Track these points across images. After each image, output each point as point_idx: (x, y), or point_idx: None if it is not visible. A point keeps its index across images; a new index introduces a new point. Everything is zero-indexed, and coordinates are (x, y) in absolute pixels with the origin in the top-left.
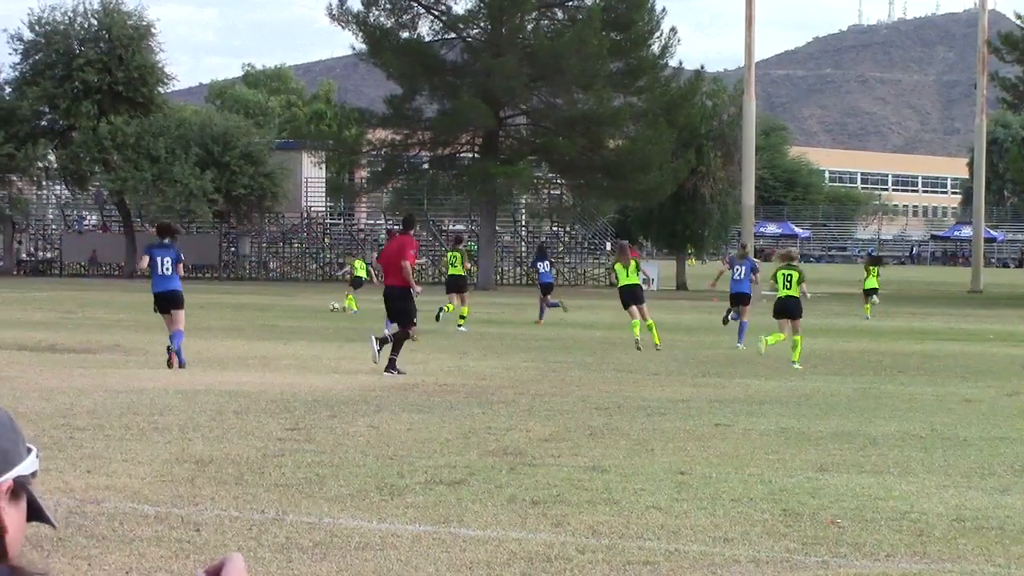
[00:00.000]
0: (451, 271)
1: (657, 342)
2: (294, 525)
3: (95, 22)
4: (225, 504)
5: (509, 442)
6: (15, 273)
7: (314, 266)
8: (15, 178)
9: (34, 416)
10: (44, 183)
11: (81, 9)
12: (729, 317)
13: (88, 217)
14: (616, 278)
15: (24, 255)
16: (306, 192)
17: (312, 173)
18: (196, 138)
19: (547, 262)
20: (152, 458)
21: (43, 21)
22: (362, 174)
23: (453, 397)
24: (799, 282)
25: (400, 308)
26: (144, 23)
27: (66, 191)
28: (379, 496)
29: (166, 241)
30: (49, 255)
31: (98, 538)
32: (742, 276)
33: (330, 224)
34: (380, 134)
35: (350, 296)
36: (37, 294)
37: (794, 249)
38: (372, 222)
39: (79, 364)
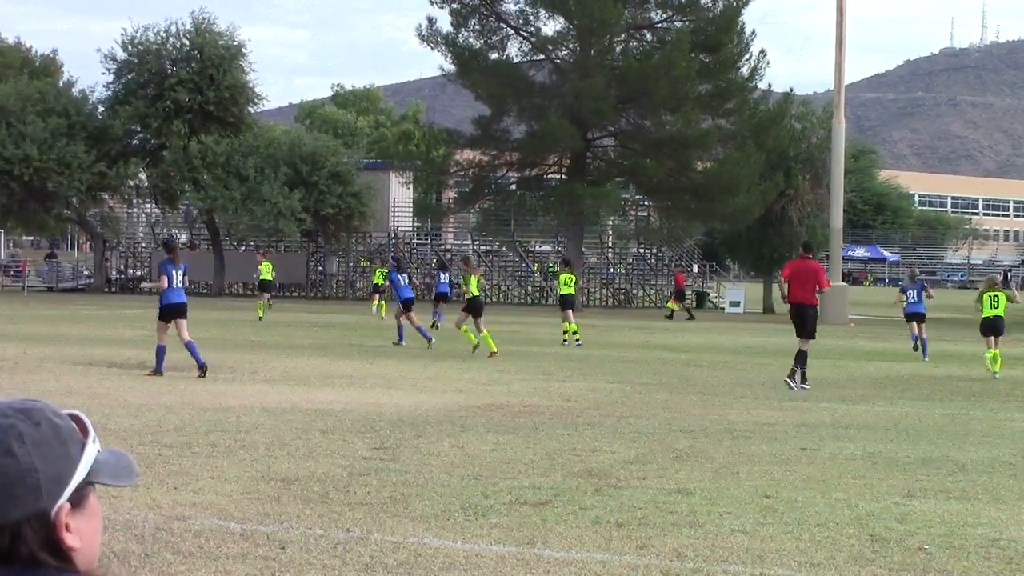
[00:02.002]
0: (563, 291)
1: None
2: (379, 544)
3: (187, 42)
4: (310, 522)
5: (594, 464)
6: (105, 290)
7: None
8: (107, 196)
9: (123, 433)
10: (135, 201)
11: (173, 29)
12: (913, 339)
13: (178, 235)
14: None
15: (114, 272)
16: (393, 212)
17: (400, 193)
18: (285, 157)
19: (447, 274)
20: (238, 476)
21: (136, 41)
22: (449, 194)
23: (538, 418)
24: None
25: (810, 326)
26: (235, 43)
27: (156, 209)
28: (463, 516)
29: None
30: (139, 273)
31: (184, 554)
32: (916, 298)
33: (417, 244)
34: (468, 155)
35: (379, 301)
36: (126, 311)
37: (997, 275)
38: (459, 242)
39: (167, 382)
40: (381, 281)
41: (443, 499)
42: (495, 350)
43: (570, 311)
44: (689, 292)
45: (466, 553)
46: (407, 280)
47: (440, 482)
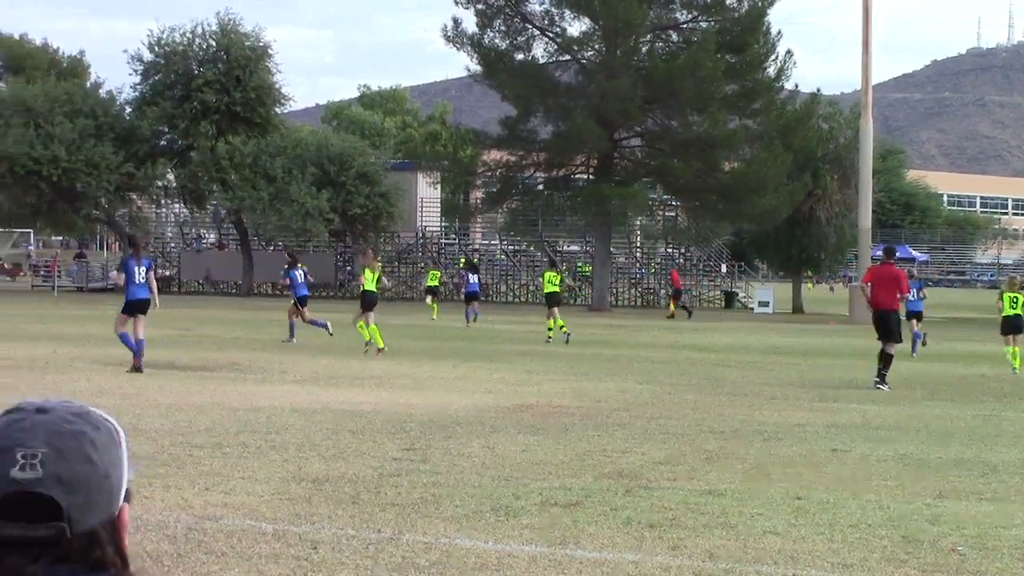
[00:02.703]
0: (548, 289)
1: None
2: (410, 545)
3: (213, 43)
4: (342, 523)
5: (625, 464)
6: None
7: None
8: (135, 196)
9: (153, 433)
10: (163, 202)
11: (200, 31)
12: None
13: (206, 236)
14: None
15: None
16: (421, 212)
17: (427, 193)
18: (312, 158)
19: (476, 275)
20: (269, 476)
21: (163, 42)
22: (477, 194)
23: (568, 419)
24: None
25: (894, 329)
26: (261, 44)
27: (184, 210)
28: (495, 517)
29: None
30: (168, 273)
31: (217, 554)
32: (915, 296)
33: (445, 244)
34: (495, 155)
35: (433, 303)
36: (156, 311)
37: (1018, 276)
38: (487, 242)
39: (197, 381)
40: (436, 283)
41: (474, 500)
42: (382, 346)
43: (555, 309)
44: (718, 292)
45: (498, 554)
46: (303, 277)
47: (471, 483)
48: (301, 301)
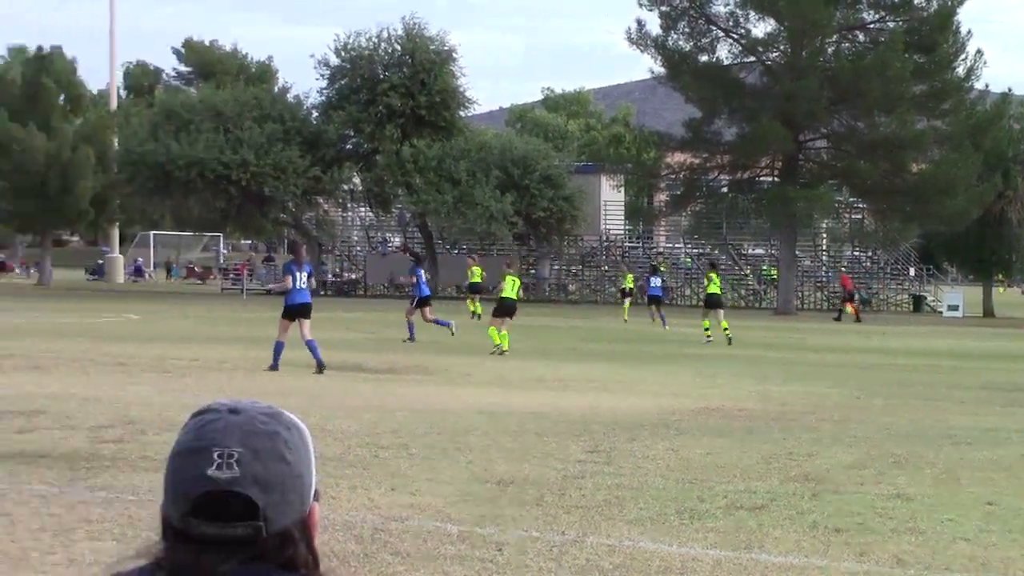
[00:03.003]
0: (711, 290)
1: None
2: (594, 547)
3: (399, 47)
4: (526, 525)
5: (811, 468)
6: (321, 293)
7: (612, 288)
8: (321, 200)
9: (340, 434)
10: (349, 205)
11: (385, 35)
12: None
13: (391, 239)
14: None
15: (330, 276)
16: (604, 215)
17: (611, 196)
18: (496, 161)
19: (659, 278)
20: (454, 477)
21: (349, 47)
22: (661, 197)
23: (753, 422)
24: None
25: None
26: (446, 48)
27: (370, 213)
28: (679, 520)
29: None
30: (354, 276)
31: (403, 555)
32: None
33: (628, 247)
34: (679, 157)
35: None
36: (343, 314)
37: None
38: (671, 245)
39: (384, 384)
40: (631, 285)
41: (658, 502)
42: (506, 348)
43: (720, 311)
44: (906, 296)
45: (682, 557)
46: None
47: (655, 485)
48: (423, 301)
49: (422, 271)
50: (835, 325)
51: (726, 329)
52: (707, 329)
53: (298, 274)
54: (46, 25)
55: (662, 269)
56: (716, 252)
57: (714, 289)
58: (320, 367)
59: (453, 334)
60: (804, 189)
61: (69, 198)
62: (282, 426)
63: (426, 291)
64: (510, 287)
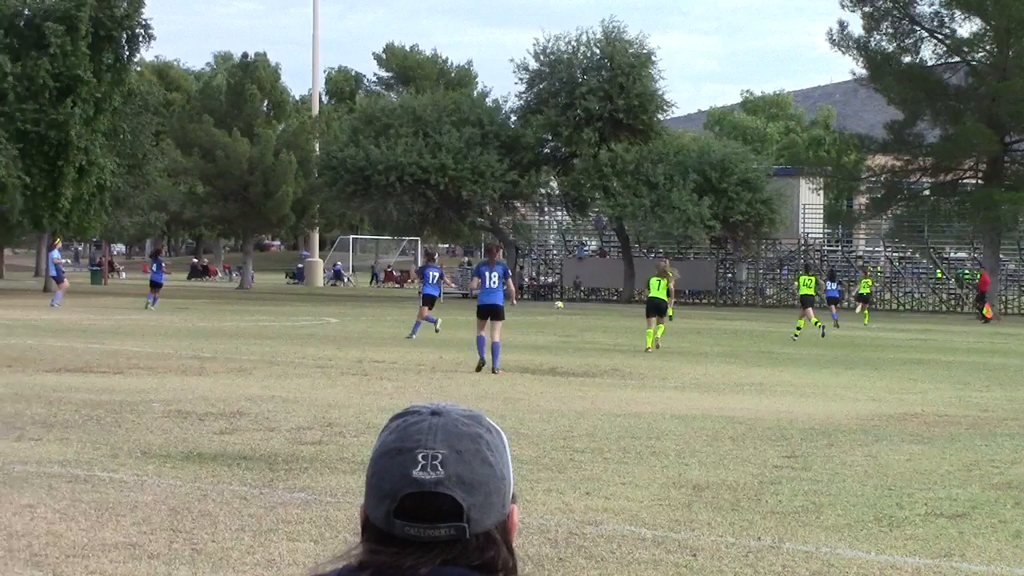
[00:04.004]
0: (803, 291)
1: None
2: (791, 553)
3: (597, 51)
4: (721, 530)
5: (1014, 476)
6: (519, 297)
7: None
8: (518, 204)
9: (535, 437)
10: (546, 209)
11: (584, 39)
12: None
13: (588, 243)
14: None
15: (526, 279)
16: (803, 218)
17: (809, 199)
18: (694, 164)
19: (835, 283)
20: (649, 481)
21: (548, 51)
22: (861, 200)
23: (954, 428)
24: None
25: None
26: (645, 51)
27: (567, 217)
28: (877, 527)
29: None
30: (550, 279)
31: (597, 559)
32: None
33: (827, 251)
34: (879, 160)
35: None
36: (538, 318)
37: None
38: (871, 249)
39: (579, 387)
40: (867, 291)
41: (856, 509)
42: (648, 346)
43: (810, 309)
44: None
45: (880, 564)
46: (437, 279)
47: (853, 492)
48: (426, 300)
49: (431, 270)
50: None
51: (816, 322)
52: (798, 328)
53: (488, 275)
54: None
55: (870, 270)
56: (916, 255)
57: (807, 290)
58: (494, 370)
59: (437, 331)
60: (1009, 192)
61: (271, 203)
62: (483, 428)
63: (433, 292)
64: (655, 287)
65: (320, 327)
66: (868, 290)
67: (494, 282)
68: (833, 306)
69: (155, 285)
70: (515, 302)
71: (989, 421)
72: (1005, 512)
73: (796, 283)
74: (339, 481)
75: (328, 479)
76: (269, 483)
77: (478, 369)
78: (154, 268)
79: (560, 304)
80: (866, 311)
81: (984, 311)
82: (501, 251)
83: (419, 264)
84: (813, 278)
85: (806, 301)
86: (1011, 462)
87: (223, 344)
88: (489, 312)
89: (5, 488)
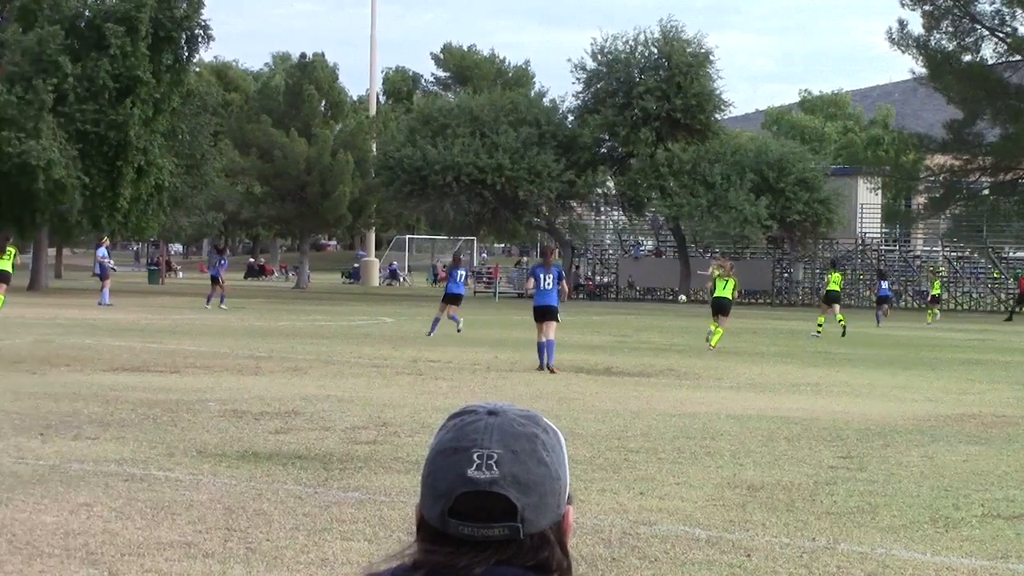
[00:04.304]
0: (831, 287)
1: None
2: (845, 554)
3: (655, 50)
4: (776, 531)
5: None
6: (573, 297)
7: (867, 292)
8: (575, 204)
9: (590, 437)
10: (602, 209)
11: (642, 38)
12: None
13: (644, 243)
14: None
15: (582, 279)
16: (861, 218)
17: (867, 199)
18: (751, 164)
19: (887, 282)
20: (704, 482)
21: (605, 50)
22: (919, 200)
23: (1012, 429)
24: None
25: None
26: (703, 51)
27: (623, 216)
28: (933, 528)
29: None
30: (606, 279)
31: (651, 559)
32: None
33: (885, 251)
34: (939, 159)
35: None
36: (594, 318)
37: None
38: (928, 249)
39: (634, 387)
40: (938, 291)
41: (912, 510)
42: (714, 345)
43: (836, 305)
44: None
45: (936, 566)
46: (463, 278)
47: (909, 492)
48: (451, 298)
49: (459, 271)
50: None
51: (841, 320)
52: (820, 324)
53: (543, 277)
54: (309, 32)
55: (941, 271)
56: (975, 255)
57: (834, 287)
58: (549, 368)
59: (459, 331)
60: None
61: (328, 203)
62: (540, 428)
63: (457, 290)
64: (721, 288)
65: (376, 327)
66: (939, 291)
67: (549, 284)
68: (885, 305)
69: (213, 281)
70: (565, 299)
71: None
72: None
73: (826, 279)
74: (393, 481)
75: (382, 479)
76: (323, 482)
77: (539, 369)
78: (220, 263)
79: (684, 298)
80: (935, 310)
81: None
82: (556, 253)
83: (447, 264)
84: (840, 275)
85: (831, 298)
86: None
87: (279, 343)
88: (545, 313)
89: (62, 487)
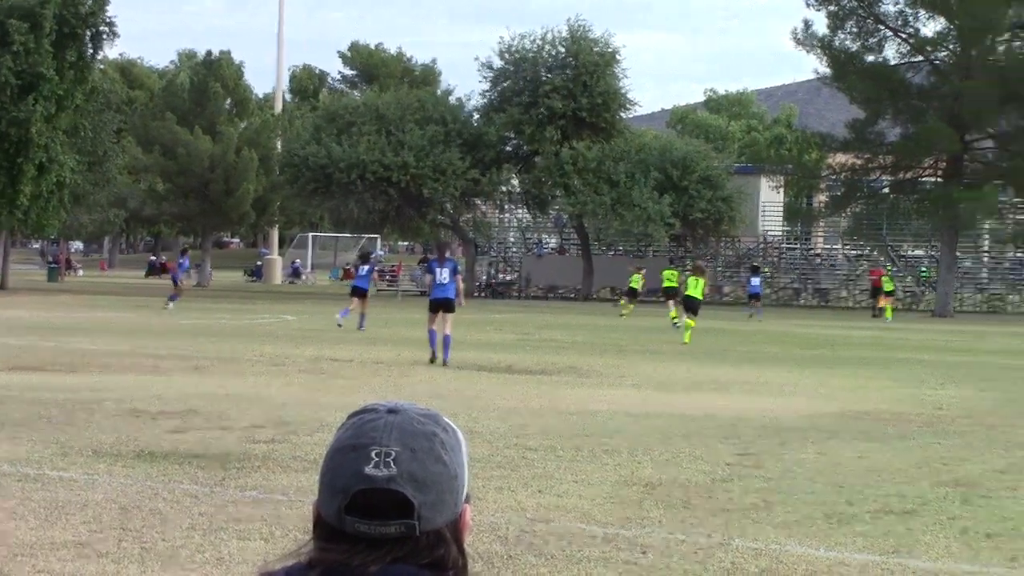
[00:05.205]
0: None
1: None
2: (740, 550)
3: (562, 49)
4: (672, 527)
5: (963, 473)
6: (475, 294)
7: (768, 291)
8: (479, 202)
9: (489, 435)
10: (507, 207)
11: (549, 37)
12: None
13: (547, 240)
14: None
15: (484, 276)
16: (763, 216)
17: (770, 197)
18: (655, 162)
19: (758, 278)
20: (601, 479)
21: (513, 49)
22: (821, 198)
23: (906, 426)
24: None
25: None
26: (610, 50)
27: (527, 215)
28: (827, 524)
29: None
30: (509, 277)
31: (547, 557)
32: None
33: (786, 248)
34: (840, 158)
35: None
36: (495, 315)
37: None
38: (829, 247)
39: (534, 385)
40: (636, 286)
41: (806, 506)
42: (686, 342)
43: (671, 302)
44: None
45: (829, 561)
46: (369, 273)
47: (804, 489)
48: (355, 292)
49: (364, 267)
50: (995, 328)
51: (674, 319)
52: (675, 317)
53: (439, 271)
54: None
55: (890, 268)
56: (875, 253)
57: (695, 293)
58: (444, 363)
59: (339, 326)
60: (968, 190)
61: (231, 200)
62: (439, 427)
63: (361, 284)
64: (693, 286)
65: (278, 325)
66: (892, 287)
67: (444, 278)
68: (755, 301)
69: (176, 283)
70: (463, 303)
71: (942, 419)
72: (953, 509)
73: (661, 276)
74: (291, 480)
75: (280, 478)
76: (221, 482)
77: (431, 362)
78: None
79: (624, 301)
80: (889, 307)
81: (882, 305)
82: (451, 249)
83: (355, 261)
84: (676, 272)
85: (669, 293)
86: (961, 460)
87: (179, 342)
88: (440, 306)
89: None
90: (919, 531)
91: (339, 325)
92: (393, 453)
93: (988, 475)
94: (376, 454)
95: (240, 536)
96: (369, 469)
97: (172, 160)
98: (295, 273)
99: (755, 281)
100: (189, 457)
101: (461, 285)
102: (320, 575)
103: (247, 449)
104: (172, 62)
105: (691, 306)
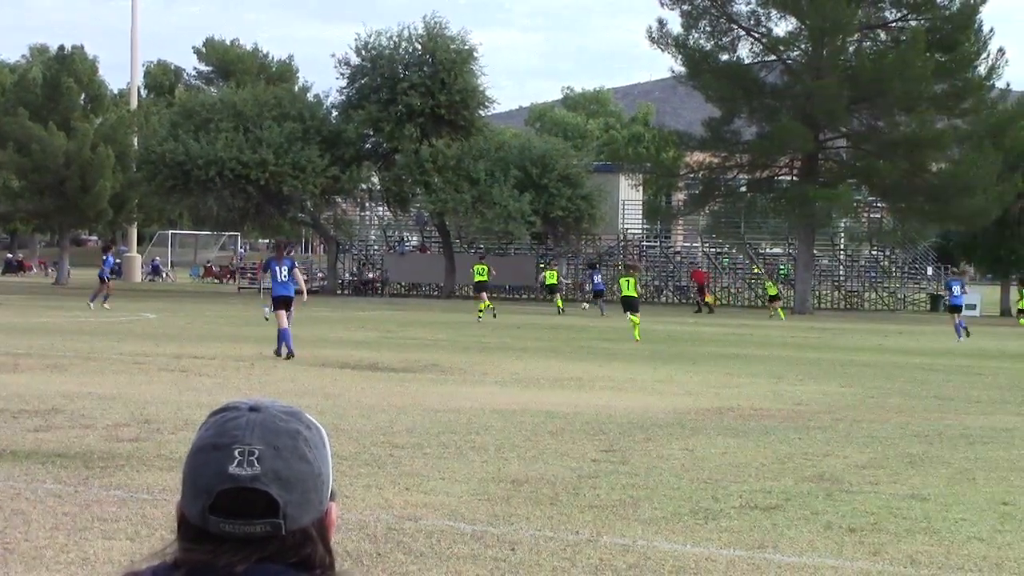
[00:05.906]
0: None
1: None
2: (608, 547)
3: (419, 47)
4: (540, 524)
5: (826, 468)
6: (338, 292)
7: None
8: (339, 200)
9: (355, 433)
10: (367, 204)
11: (406, 34)
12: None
13: (409, 238)
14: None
15: (346, 275)
16: (623, 214)
17: (629, 195)
18: (515, 160)
19: (599, 275)
20: (469, 477)
21: (369, 46)
22: (679, 197)
23: (769, 422)
24: None
25: None
26: (467, 47)
27: (388, 212)
28: (693, 520)
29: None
30: (371, 275)
31: (416, 554)
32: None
33: (646, 246)
34: (698, 157)
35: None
36: (359, 313)
37: None
38: (688, 244)
39: (399, 383)
40: (485, 278)
41: (673, 502)
42: (637, 338)
43: (484, 293)
44: (923, 295)
45: (696, 556)
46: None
47: (670, 485)
48: (279, 302)
49: (279, 267)
50: (852, 324)
51: (484, 308)
52: (481, 310)
53: (278, 269)
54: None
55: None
56: (734, 251)
57: (629, 292)
58: (289, 355)
59: (266, 319)
60: (823, 188)
61: (88, 197)
62: (302, 425)
63: (284, 291)
64: (626, 287)
65: (137, 323)
66: (775, 291)
67: (284, 275)
68: (599, 299)
69: (101, 280)
70: (305, 298)
71: (802, 414)
72: (817, 504)
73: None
74: (156, 478)
75: (145, 476)
76: (84, 481)
77: (287, 358)
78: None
79: (586, 305)
80: (780, 309)
81: (708, 300)
82: (289, 248)
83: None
84: (485, 266)
85: (480, 287)
86: (823, 454)
87: (38, 340)
88: (281, 303)
89: None
90: (784, 526)
91: (266, 319)
92: (256, 452)
93: (850, 470)
94: (239, 453)
95: (105, 536)
96: (233, 468)
97: (27, 157)
98: (155, 271)
99: (597, 278)
100: (52, 456)
101: (302, 281)
102: (186, 575)
103: (111, 448)
104: (24, 56)
105: (630, 305)
